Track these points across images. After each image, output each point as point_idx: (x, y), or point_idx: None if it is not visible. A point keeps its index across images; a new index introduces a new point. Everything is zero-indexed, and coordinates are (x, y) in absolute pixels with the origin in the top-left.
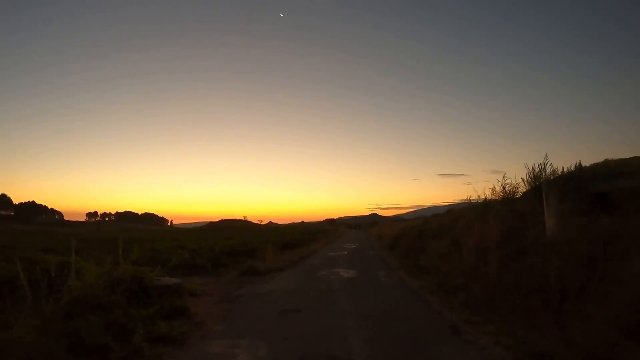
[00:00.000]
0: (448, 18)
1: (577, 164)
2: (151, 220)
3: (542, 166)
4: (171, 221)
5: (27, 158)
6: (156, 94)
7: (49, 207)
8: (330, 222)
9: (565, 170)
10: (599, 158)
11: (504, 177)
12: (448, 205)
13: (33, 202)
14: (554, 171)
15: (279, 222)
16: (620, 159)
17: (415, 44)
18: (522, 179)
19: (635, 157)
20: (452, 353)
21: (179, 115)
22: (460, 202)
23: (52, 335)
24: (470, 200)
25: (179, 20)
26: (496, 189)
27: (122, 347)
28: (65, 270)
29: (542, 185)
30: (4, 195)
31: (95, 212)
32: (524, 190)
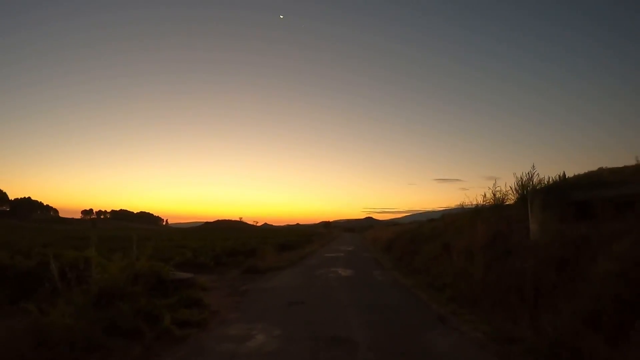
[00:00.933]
0: (447, 26)
1: (561, 174)
2: (146, 219)
3: (529, 176)
4: (166, 220)
5: (23, 154)
6: (154, 94)
7: (45, 204)
8: (326, 224)
9: (551, 180)
10: (595, 165)
11: (494, 184)
12: (443, 210)
13: (29, 198)
14: (540, 181)
15: (274, 224)
16: (614, 167)
17: (414, 50)
18: (511, 187)
19: (627, 166)
20: (437, 335)
21: (177, 116)
22: (455, 207)
23: (88, 319)
24: (462, 205)
25: (177, 22)
26: (487, 196)
27: (152, 329)
28: (87, 264)
29: (528, 194)
30: None
31: (91, 210)
32: (513, 197)
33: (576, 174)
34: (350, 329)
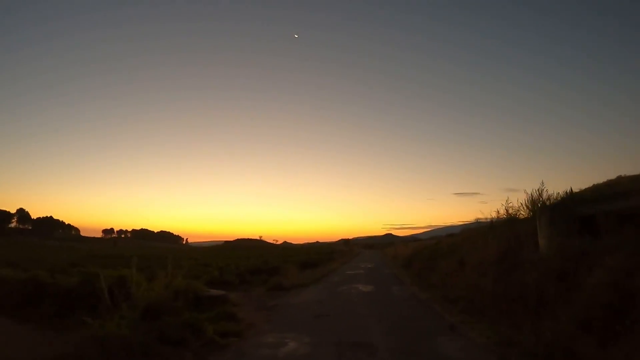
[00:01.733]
0: (465, 36)
1: (569, 190)
2: (166, 238)
3: (539, 192)
4: (186, 239)
5: (45, 174)
6: (173, 113)
7: (66, 223)
8: (346, 242)
9: (559, 195)
10: (616, 173)
11: (507, 200)
12: (462, 224)
13: (51, 217)
14: (549, 197)
15: (293, 242)
16: (634, 175)
17: (431, 62)
18: (521, 204)
19: None
20: (447, 340)
21: (196, 135)
22: (473, 221)
23: (140, 331)
24: (478, 220)
25: (203, 40)
26: (500, 212)
27: (197, 339)
28: (127, 282)
29: (536, 210)
30: (22, 210)
31: (112, 229)
32: (525, 213)
33: (596, 183)
34: (371, 336)
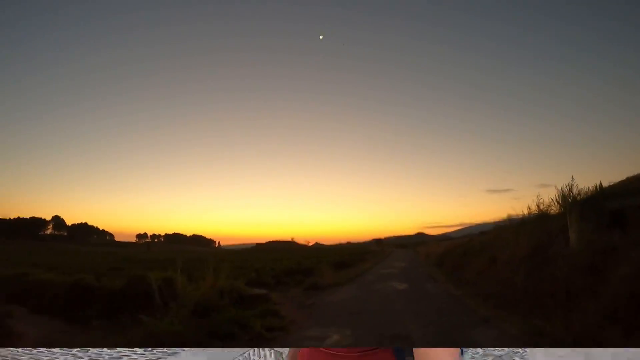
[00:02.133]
0: (495, 28)
1: (599, 184)
2: (199, 241)
3: (569, 187)
4: (219, 242)
5: (79, 181)
6: (201, 116)
7: (100, 229)
8: (377, 242)
9: (590, 190)
10: None
11: (538, 196)
12: (494, 222)
13: (85, 223)
14: (579, 191)
15: (325, 243)
16: None
17: (460, 53)
18: (552, 200)
19: None
20: (481, 331)
21: (225, 138)
22: (505, 218)
23: (192, 327)
24: (510, 217)
25: (221, 40)
26: (532, 208)
27: (245, 334)
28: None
29: (567, 205)
30: (57, 217)
31: (145, 234)
32: (556, 208)
33: (629, 175)
34: (408, 329)
